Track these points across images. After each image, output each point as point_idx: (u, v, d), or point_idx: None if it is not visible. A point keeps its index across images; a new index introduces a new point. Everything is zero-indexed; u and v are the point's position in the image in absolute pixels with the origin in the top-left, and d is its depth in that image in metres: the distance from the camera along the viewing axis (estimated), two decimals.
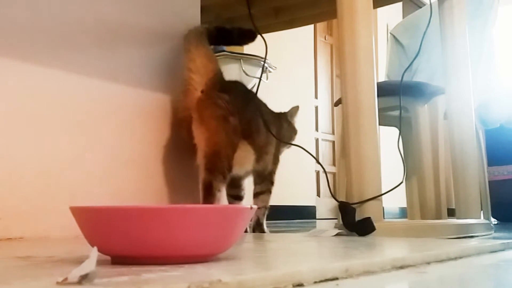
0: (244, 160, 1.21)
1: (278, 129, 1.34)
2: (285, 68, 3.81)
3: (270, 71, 3.20)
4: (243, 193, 1.31)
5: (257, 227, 1.31)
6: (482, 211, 1.80)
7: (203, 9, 1.54)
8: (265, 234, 1.32)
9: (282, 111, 1.44)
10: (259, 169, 1.28)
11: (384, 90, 1.56)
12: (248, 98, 1.27)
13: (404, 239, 1.11)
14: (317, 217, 4.31)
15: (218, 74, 1.23)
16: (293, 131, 1.42)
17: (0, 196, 0.99)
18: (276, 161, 1.34)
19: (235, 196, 1.31)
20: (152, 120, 1.33)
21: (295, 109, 1.43)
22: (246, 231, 1.28)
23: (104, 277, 0.43)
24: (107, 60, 1.23)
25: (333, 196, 1.35)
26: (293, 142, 1.42)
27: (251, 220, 1.27)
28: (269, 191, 1.31)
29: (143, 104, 1.31)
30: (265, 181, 1.31)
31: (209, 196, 1.12)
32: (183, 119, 1.20)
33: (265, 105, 1.33)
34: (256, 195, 1.31)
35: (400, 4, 4.85)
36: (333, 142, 4.72)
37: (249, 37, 1.35)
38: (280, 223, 1.81)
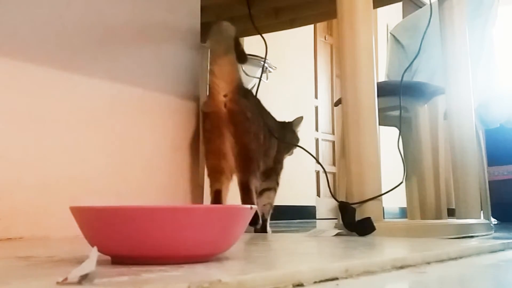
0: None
1: (281, 135, 1.39)
2: (285, 68, 3.81)
3: (270, 71, 3.20)
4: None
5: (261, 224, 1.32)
6: (482, 211, 1.80)
7: (203, 9, 1.54)
8: (265, 234, 1.32)
9: (287, 120, 1.50)
10: (262, 170, 1.32)
11: (384, 90, 1.56)
12: (258, 105, 1.33)
13: (404, 239, 1.11)
14: (317, 217, 4.31)
15: (240, 82, 1.29)
16: (296, 140, 1.47)
17: (0, 196, 0.99)
18: (280, 164, 1.39)
19: (265, 189, 1.36)
20: (153, 120, 1.33)
21: (299, 120, 1.49)
22: (257, 230, 1.31)
23: (104, 277, 0.43)
24: (107, 60, 1.23)
25: (333, 196, 1.35)
26: (293, 145, 1.47)
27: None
28: (274, 189, 1.36)
29: (144, 104, 1.31)
30: (270, 178, 1.35)
31: (248, 193, 1.20)
32: (208, 114, 1.27)
33: (267, 111, 1.38)
34: (261, 192, 1.34)
35: (400, 4, 4.85)
36: (333, 142, 4.71)
37: (242, 60, 1.37)
38: (280, 223, 1.81)
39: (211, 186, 1.24)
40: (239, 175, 1.22)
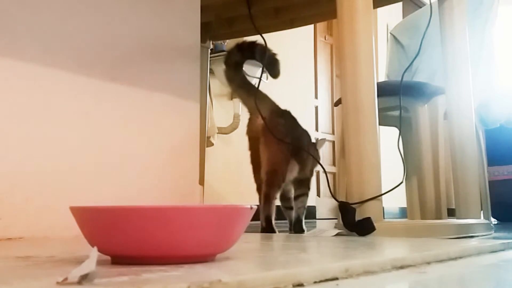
0: (290, 173, 1.45)
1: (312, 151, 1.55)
2: (285, 68, 3.80)
3: None
4: (293, 203, 1.54)
5: (297, 224, 1.50)
6: (482, 211, 1.80)
7: (203, 9, 1.54)
8: (265, 234, 1.34)
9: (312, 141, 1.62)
10: (300, 177, 1.50)
11: (384, 90, 1.56)
12: (294, 124, 1.49)
13: (404, 239, 1.11)
14: (317, 217, 4.31)
15: (274, 107, 1.46)
16: (318, 157, 1.60)
17: (0, 196, 0.99)
18: (311, 173, 1.56)
19: (288, 207, 1.54)
20: (153, 120, 1.33)
21: (322, 141, 1.63)
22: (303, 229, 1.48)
23: (104, 277, 0.43)
24: (105, 59, 1.23)
25: (333, 196, 1.35)
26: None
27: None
28: (306, 194, 1.53)
29: (142, 104, 1.31)
30: (303, 185, 1.52)
31: (267, 203, 1.38)
32: (250, 138, 1.46)
33: (302, 128, 1.53)
34: (296, 197, 1.53)
35: (400, 4, 4.85)
36: (333, 142, 4.71)
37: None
38: (280, 223, 1.82)
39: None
40: (264, 187, 1.39)
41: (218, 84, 3.16)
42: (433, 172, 1.82)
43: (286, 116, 1.47)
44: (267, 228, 1.38)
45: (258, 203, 1.41)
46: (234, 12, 1.92)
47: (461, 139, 1.63)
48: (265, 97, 1.47)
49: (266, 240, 1.07)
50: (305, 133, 1.53)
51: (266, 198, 1.39)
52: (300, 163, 1.47)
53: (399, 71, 2.21)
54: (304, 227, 1.51)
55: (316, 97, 4.54)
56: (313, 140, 1.62)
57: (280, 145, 1.39)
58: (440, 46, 1.70)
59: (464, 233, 1.45)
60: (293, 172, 1.47)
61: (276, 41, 2.69)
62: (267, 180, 1.39)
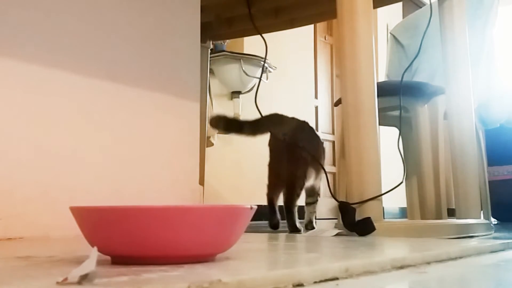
0: (309, 178, 1.67)
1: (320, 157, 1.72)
2: (285, 68, 3.81)
3: (270, 71, 3.20)
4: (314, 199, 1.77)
5: (309, 224, 1.70)
6: (482, 211, 1.80)
7: (203, 8, 1.54)
8: (263, 234, 1.35)
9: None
10: (315, 184, 1.71)
11: (384, 90, 1.56)
12: (311, 135, 1.67)
13: (404, 239, 1.11)
14: (317, 217, 4.31)
15: (291, 122, 1.65)
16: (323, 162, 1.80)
17: (0, 196, 0.99)
18: (320, 181, 1.75)
19: (310, 203, 1.76)
20: (153, 120, 1.33)
21: None
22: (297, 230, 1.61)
23: (104, 277, 0.43)
24: (107, 60, 1.23)
25: (333, 196, 1.35)
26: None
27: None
28: (316, 201, 1.77)
29: (142, 104, 1.31)
30: (314, 194, 1.74)
31: (289, 213, 1.60)
32: (274, 149, 1.66)
33: (317, 137, 1.70)
34: (307, 204, 1.75)
35: (400, 4, 4.85)
36: (333, 142, 4.71)
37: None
38: (280, 223, 1.83)
39: (268, 194, 1.68)
40: (285, 199, 1.61)
41: (218, 84, 3.16)
42: (433, 172, 1.82)
43: (304, 132, 1.63)
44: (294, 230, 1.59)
45: (257, 204, 1.44)
46: (234, 12, 1.92)
47: (461, 139, 1.63)
48: (280, 119, 1.65)
49: (266, 240, 1.07)
50: (320, 143, 1.69)
51: (288, 209, 1.59)
52: (315, 171, 1.64)
53: (399, 71, 2.21)
54: (315, 225, 1.68)
55: (316, 97, 4.53)
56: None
57: (300, 162, 1.57)
58: (440, 46, 1.70)
59: (464, 233, 1.45)
60: (311, 178, 1.65)
61: (276, 41, 2.69)
62: (288, 191, 1.58)
